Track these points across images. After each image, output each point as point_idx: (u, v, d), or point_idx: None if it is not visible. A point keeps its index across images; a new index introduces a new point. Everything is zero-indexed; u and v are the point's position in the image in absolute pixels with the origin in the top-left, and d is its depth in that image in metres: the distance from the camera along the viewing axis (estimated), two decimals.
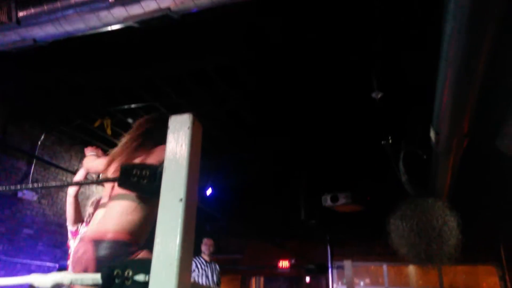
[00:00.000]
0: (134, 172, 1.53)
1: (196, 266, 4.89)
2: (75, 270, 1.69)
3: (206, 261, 4.94)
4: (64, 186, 5.50)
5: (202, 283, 4.78)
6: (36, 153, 6.20)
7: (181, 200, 0.95)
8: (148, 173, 1.52)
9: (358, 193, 7.14)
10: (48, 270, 6.19)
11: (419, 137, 5.06)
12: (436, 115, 3.87)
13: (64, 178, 6.71)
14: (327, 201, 7.08)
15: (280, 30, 4.08)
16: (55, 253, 6.47)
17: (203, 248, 5.01)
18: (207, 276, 4.83)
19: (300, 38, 4.22)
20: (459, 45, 2.72)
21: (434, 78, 3.40)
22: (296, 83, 5.06)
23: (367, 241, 9.71)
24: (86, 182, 1.89)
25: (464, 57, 2.83)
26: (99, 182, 1.69)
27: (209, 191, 7.64)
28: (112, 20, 2.92)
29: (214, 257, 5.10)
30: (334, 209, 7.24)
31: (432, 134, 4.24)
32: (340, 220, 8.59)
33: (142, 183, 1.51)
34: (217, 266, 5.01)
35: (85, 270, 1.62)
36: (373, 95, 4.68)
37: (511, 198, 6.95)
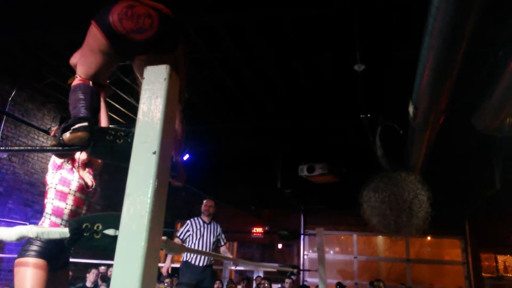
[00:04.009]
0: (108, 132, 1.47)
1: (191, 226, 4.92)
2: None
3: (204, 222, 4.98)
4: (31, 151, 5.35)
5: (194, 243, 4.83)
6: (7, 109, 5.96)
7: (154, 152, 0.91)
8: (123, 133, 1.46)
9: (334, 165, 7.24)
10: None
11: (397, 112, 5.11)
12: (416, 90, 3.90)
13: (35, 136, 6.52)
14: (303, 171, 7.16)
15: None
16: (25, 212, 6.36)
17: (203, 208, 5.07)
18: (201, 236, 4.87)
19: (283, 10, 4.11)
20: (445, 17, 2.70)
21: (417, 53, 3.39)
22: (276, 53, 4.97)
23: (340, 212, 9.98)
24: (53, 149, 1.78)
25: (449, 30, 2.82)
26: (70, 150, 1.59)
27: (186, 157, 7.58)
28: None
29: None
30: (309, 179, 7.34)
31: (410, 109, 4.29)
32: (315, 191, 8.75)
33: (118, 143, 1.45)
34: (218, 227, 5.04)
35: None
36: (356, 67, 4.66)
37: (478, 176, 7.19)
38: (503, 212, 8.80)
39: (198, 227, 4.94)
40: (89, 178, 2.61)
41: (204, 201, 5.12)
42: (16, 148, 5.36)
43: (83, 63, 1.87)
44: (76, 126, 1.58)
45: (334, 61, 5.08)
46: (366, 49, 4.52)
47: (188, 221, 5.03)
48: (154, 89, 0.99)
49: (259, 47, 4.82)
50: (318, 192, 8.84)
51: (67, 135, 1.57)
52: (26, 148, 5.91)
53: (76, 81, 1.85)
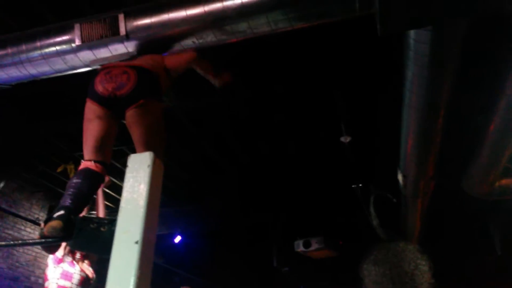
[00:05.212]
0: (92, 220, 1.45)
1: None
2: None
3: None
4: (12, 246, 5.18)
5: None
6: None
7: (136, 242, 0.88)
8: (107, 221, 1.44)
9: (331, 238, 7.08)
10: None
11: (389, 181, 5.13)
12: (403, 158, 3.96)
13: (22, 227, 6.32)
14: (299, 246, 6.97)
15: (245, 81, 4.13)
16: None
17: None
18: None
19: (267, 88, 4.30)
20: (420, 90, 2.83)
21: (400, 123, 3.50)
22: (265, 130, 5.10)
23: None
24: (35, 242, 1.75)
25: (426, 101, 2.94)
26: (53, 242, 1.55)
27: (178, 239, 7.37)
28: (79, 63, 2.88)
29: None
30: (307, 255, 7.11)
31: (399, 177, 4.31)
32: (313, 267, 8.43)
33: (102, 231, 1.42)
34: None
35: None
36: (342, 139, 4.75)
37: (478, 242, 7.05)
38: (507, 278, 8.49)
39: None
40: (89, 270, 2.52)
41: None
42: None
43: (86, 142, 2.01)
44: (54, 215, 1.55)
45: (323, 135, 5.20)
46: (352, 121, 4.66)
47: None
48: (138, 176, 0.99)
49: (250, 124, 4.94)
50: (316, 268, 8.51)
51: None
52: (8, 243, 5.70)
53: (80, 166, 1.95)
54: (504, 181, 4.41)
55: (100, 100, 2.05)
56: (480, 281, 8.60)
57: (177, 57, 2.57)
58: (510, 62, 2.62)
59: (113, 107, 2.07)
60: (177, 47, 2.69)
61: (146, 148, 1.81)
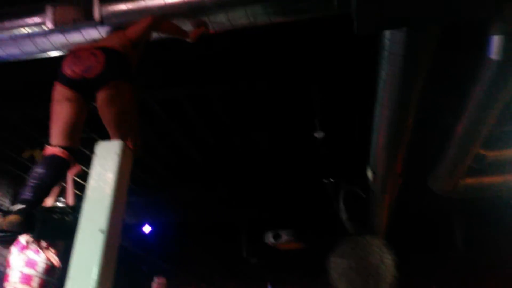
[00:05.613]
0: (55, 210, 1.42)
1: None
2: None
3: None
4: None
5: None
6: None
7: (102, 231, 0.86)
8: (70, 210, 1.41)
9: (301, 231, 7.17)
10: None
11: (359, 176, 5.23)
12: (373, 155, 4.05)
13: None
14: (269, 238, 7.04)
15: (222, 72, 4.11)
16: None
17: (154, 287, 4.76)
18: None
19: (242, 81, 4.29)
20: (392, 89, 2.89)
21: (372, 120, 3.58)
22: (238, 123, 5.09)
23: (309, 280, 9.68)
24: None
25: (397, 100, 3.01)
26: (11, 236, 1.51)
27: (147, 229, 7.29)
28: (50, 47, 2.80)
29: None
30: (276, 247, 7.19)
31: (369, 173, 4.41)
32: (282, 259, 8.53)
33: (67, 220, 1.39)
34: None
35: None
36: (316, 134, 4.81)
37: (442, 238, 7.31)
38: (468, 273, 8.86)
39: None
40: (55, 259, 2.45)
41: (155, 279, 4.86)
42: None
43: (53, 125, 1.96)
44: (13, 209, 1.50)
45: (297, 129, 5.24)
46: (326, 117, 4.71)
47: None
48: (105, 164, 0.98)
49: (222, 117, 4.93)
50: (285, 260, 8.63)
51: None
52: None
53: (46, 152, 1.86)
54: (468, 180, 4.58)
55: (69, 83, 2.02)
56: (442, 276, 8.95)
57: (136, 26, 2.48)
58: (479, 66, 2.71)
59: (82, 89, 2.04)
60: (153, 35, 2.65)
61: (118, 130, 1.77)
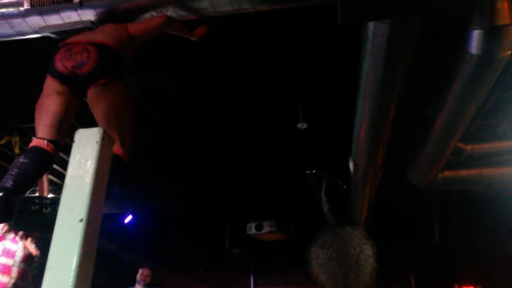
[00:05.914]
0: (33, 201, 1.39)
1: None
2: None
3: None
4: None
5: None
6: None
7: (81, 220, 0.85)
8: (49, 201, 1.39)
9: (283, 222, 7.23)
10: None
11: (340, 168, 5.28)
12: (355, 147, 4.09)
13: None
14: (251, 229, 7.07)
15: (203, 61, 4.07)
16: None
17: (139, 278, 4.76)
18: None
19: (226, 70, 4.25)
20: (375, 81, 2.92)
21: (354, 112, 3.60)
22: (222, 112, 5.06)
23: (290, 270, 9.79)
24: None
25: (379, 93, 3.04)
26: None
27: (128, 219, 7.23)
28: (27, 29, 2.70)
29: None
30: (258, 237, 7.23)
31: (351, 165, 4.46)
32: (264, 249, 8.60)
33: (45, 212, 1.36)
34: None
35: None
36: (299, 125, 4.82)
37: (419, 229, 7.49)
38: (444, 263, 9.10)
39: None
40: (32, 248, 2.42)
41: (140, 270, 4.87)
42: None
43: (41, 118, 1.93)
44: None
45: (280, 120, 5.24)
46: (309, 108, 4.72)
47: None
48: (85, 152, 0.95)
49: (208, 108, 4.89)
50: (267, 250, 8.69)
51: None
52: None
53: (32, 143, 1.86)
54: (446, 173, 4.68)
55: (60, 77, 2.00)
56: (420, 265, 9.19)
57: (145, 23, 2.47)
58: (459, 61, 2.76)
59: (73, 85, 2.02)
60: (134, 19, 2.59)
61: (110, 129, 1.76)
